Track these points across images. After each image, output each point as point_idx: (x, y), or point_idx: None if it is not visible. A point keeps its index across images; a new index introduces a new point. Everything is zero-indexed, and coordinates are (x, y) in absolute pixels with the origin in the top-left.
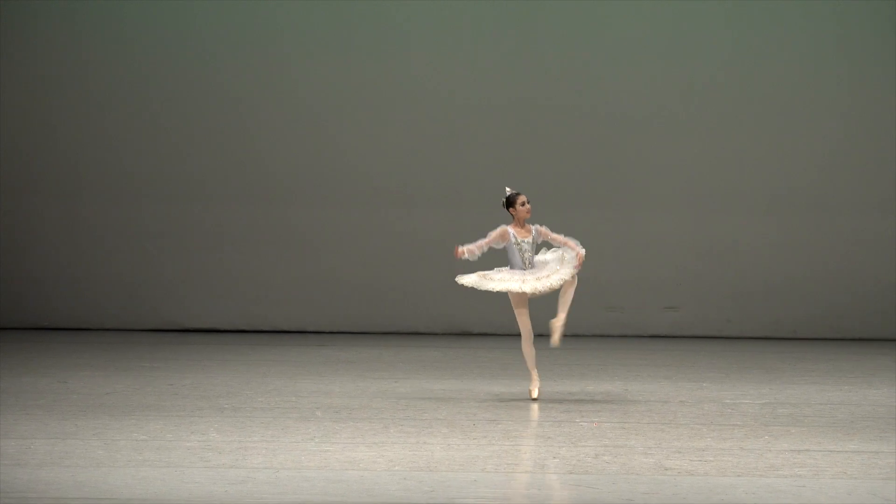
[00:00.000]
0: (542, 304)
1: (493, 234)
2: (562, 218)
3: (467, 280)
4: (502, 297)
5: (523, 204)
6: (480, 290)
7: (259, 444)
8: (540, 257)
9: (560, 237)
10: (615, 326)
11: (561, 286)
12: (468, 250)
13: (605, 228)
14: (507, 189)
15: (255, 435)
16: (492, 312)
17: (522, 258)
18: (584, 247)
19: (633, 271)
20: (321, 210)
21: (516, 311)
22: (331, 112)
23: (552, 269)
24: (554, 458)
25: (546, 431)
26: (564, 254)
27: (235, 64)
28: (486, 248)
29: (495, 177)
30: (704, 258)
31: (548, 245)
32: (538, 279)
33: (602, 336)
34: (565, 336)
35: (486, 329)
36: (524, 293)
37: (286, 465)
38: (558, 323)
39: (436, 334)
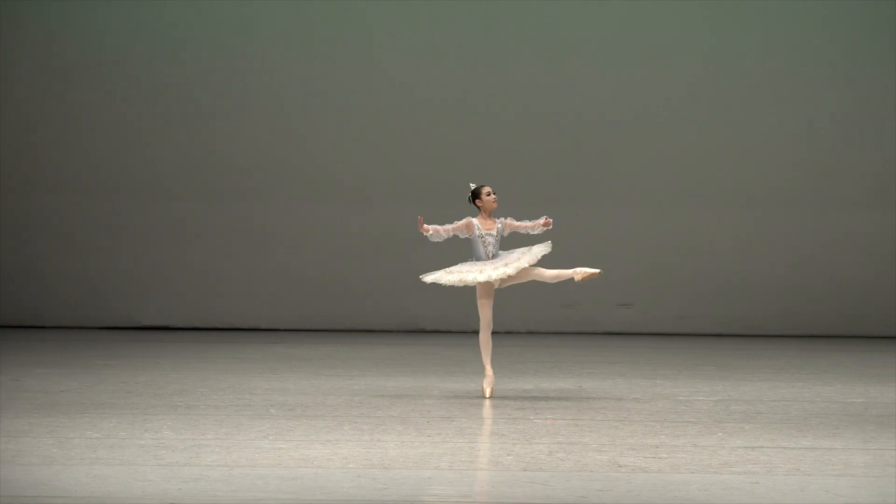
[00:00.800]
0: (506, 297)
1: (459, 223)
2: (516, 215)
3: (430, 277)
4: (456, 294)
5: (489, 194)
6: (438, 287)
7: (213, 442)
8: (506, 251)
9: (525, 223)
10: (570, 323)
11: (516, 272)
12: (433, 229)
13: (559, 225)
14: (471, 185)
15: (208, 433)
16: (446, 309)
17: (486, 251)
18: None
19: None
20: (275, 207)
21: (479, 301)
22: (287, 109)
23: (514, 256)
24: (508, 455)
25: (500, 429)
26: (533, 247)
27: (193, 61)
28: (449, 234)
29: (450, 173)
30: (658, 255)
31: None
32: (495, 268)
33: (557, 333)
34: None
35: (440, 326)
36: (489, 283)
37: (240, 463)
38: (583, 271)
39: (390, 331)
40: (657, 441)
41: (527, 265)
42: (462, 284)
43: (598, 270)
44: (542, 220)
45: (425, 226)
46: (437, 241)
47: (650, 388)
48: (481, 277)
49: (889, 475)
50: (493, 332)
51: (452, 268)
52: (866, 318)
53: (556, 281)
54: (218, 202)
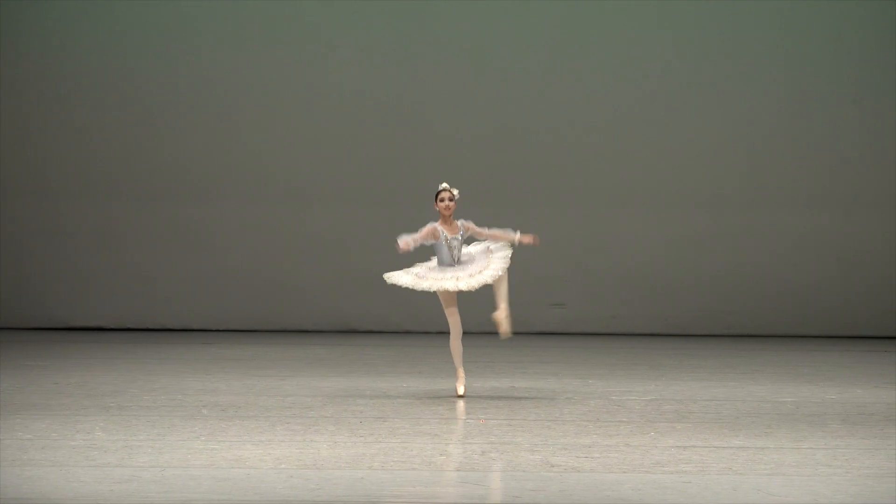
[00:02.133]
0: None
1: (424, 231)
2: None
3: (401, 280)
4: (389, 295)
5: (442, 200)
6: (370, 287)
7: (145, 443)
8: (466, 250)
9: (486, 231)
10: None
11: (492, 282)
12: (404, 242)
13: (491, 224)
14: (442, 184)
15: (140, 433)
16: (379, 309)
17: (451, 255)
18: (474, 242)
19: (519, 268)
20: (207, 206)
21: (446, 310)
22: (222, 108)
23: (482, 264)
24: (441, 455)
25: (433, 429)
26: (490, 245)
27: (132, 62)
28: (419, 244)
29: (386, 174)
30: (591, 254)
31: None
32: (471, 275)
33: (489, 333)
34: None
35: (373, 326)
36: (457, 290)
37: (172, 464)
38: (502, 315)
39: (322, 332)
40: (590, 441)
41: (501, 272)
42: (434, 290)
43: (505, 333)
44: (518, 236)
45: (404, 241)
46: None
47: (583, 387)
48: (462, 285)
49: (820, 474)
50: (428, 333)
51: (419, 271)
52: (799, 318)
53: (496, 293)
54: (149, 203)
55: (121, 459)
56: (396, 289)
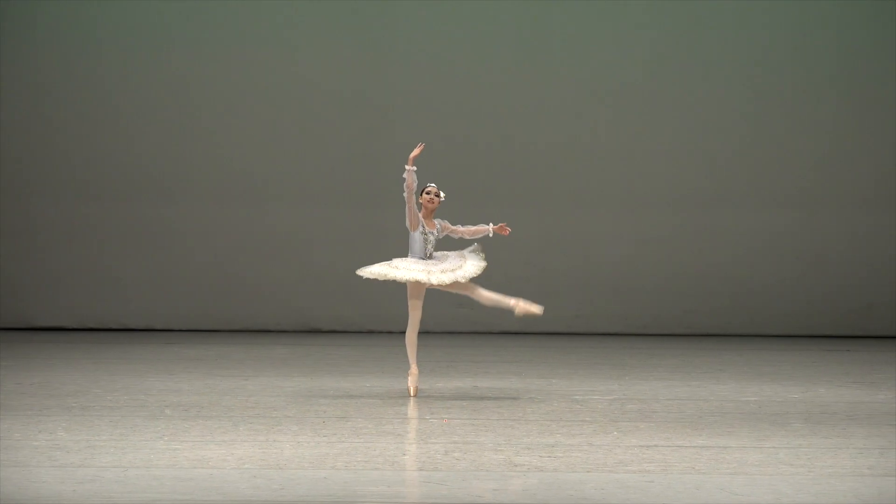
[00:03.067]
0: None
1: (413, 207)
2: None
3: (370, 271)
4: (352, 294)
5: (428, 193)
6: (332, 287)
7: (108, 443)
8: (441, 253)
9: (460, 228)
10: (465, 323)
11: (463, 281)
12: (410, 172)
13: (453, 223)
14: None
15: (103, 433)
16: (341, 309)
17: (425, 248)
18: (437, 243)
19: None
20: (170, 206)
21: (410, 302)
22: (184, 108)
23: (455, 263)
24: (404, 455)
25: (396, 428)
26: (464, 251)
27: (94, 61)
28: (413, 189)
29: (349, 173)
30: (553, 254)
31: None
32: (443, 272)
33: (451, 333)
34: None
35: (336, 326)
36: (428, 283)
37: (135, 464)
38: (521, 304)
39: (285, 331)
40: (553, 440)
41: (475, 274)
42: (411, 280)
43: (540, 310)
44: (491, 227)
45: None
46: (406, 182)
47: (546, 387)
48: (433, 279)
49: (783, 473)
50: (391, 332)
51: (394, 261)
52: (761, 317)
53: (491, 305)
54: (112, 202)
55: (83, 459)
56: (360, 288)
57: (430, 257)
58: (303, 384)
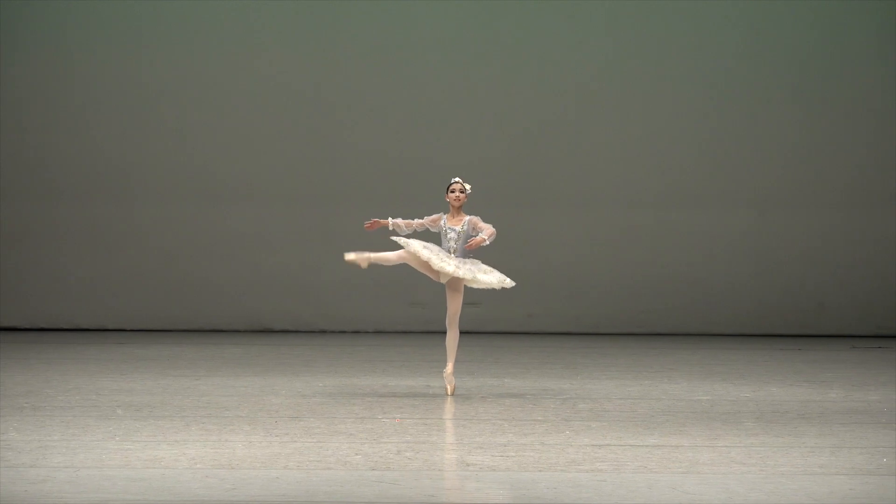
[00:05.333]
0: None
1: (430, 217)
2: (371, 213)
3: (412, 244)
4: (304, 294)
5: (453, 191)
6: (285, 287)
7: (59, 443)
8: (472, 260)
9: (482, 225)
10: (418, 322)
11: (474, 283)
12: (394, 223)
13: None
14: (455, 178)
15: (55, 434)
16: (293, 309)
17: (447, 245)
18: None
19: None
20: (121, 205)
21: (449, 293)
22: (135, 106)
23: (473, 269)
24: (356, 454)
25: (348, 428)
26: (495, 274)
27: (28, 58)
28: (419, 229)
29: (301, 173)
30: (505, 254)
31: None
32: (469, 270)
33: (405, 332)
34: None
35: (288, 326)
36: (455, 275)
37: (87, 464)
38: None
39: (237, 331)
40: (505, 439)
41: (490, 282)
42: (427, 258)
43: (365, 265)
44: (478, 238)
45: (389, 220)
46: (406, 234)
47: (498, 386)
48: (460, 273)
49: (735, 472)
50: (343, 332)
51: (430, 245)
52: (713, 316)
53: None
54: (62, 201)
55: (35, 460)
56: (313, 288)
57: (455, 254)
58: (255, 384)
